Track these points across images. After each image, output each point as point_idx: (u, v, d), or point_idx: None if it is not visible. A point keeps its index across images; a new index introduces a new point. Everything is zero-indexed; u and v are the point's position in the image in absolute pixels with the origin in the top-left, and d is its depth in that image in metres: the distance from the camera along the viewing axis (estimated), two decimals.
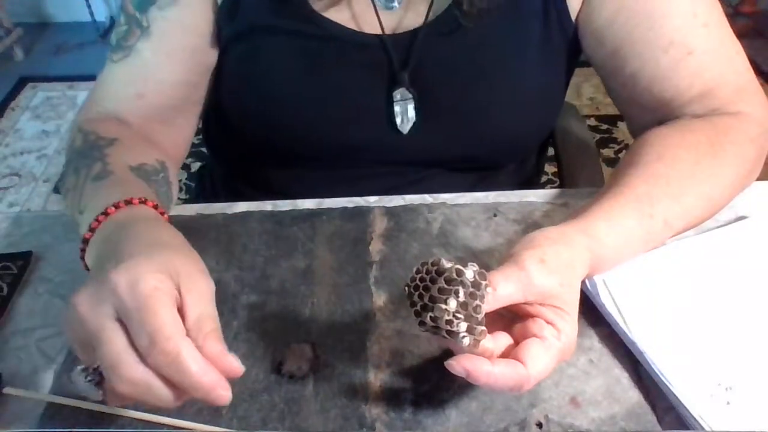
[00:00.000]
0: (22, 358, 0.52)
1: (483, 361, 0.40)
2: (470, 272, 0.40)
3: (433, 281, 0.41)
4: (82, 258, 0.48)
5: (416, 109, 0.65)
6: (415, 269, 0.42)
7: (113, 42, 0.65)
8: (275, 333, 0.52)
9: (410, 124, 0.66)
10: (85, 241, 0.47)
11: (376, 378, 0.49)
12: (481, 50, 0.63)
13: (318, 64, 0.64)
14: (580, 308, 0.53)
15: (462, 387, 0.48)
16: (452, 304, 0.39)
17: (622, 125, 2.15)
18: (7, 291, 0.57)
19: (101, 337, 0.36)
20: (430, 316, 0.40)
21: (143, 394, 0.37)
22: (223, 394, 0.37)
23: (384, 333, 0.52)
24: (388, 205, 0.64)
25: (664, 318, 0.50)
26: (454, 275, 0.40)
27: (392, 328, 0.52)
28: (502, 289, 0.42)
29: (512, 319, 0.45)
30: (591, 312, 0.52)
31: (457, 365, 0.40)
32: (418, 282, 0.42)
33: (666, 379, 0.46)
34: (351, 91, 0.65)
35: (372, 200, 0.65)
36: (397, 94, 0.64)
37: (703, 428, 0.44)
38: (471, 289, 0.40)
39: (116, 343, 0.36)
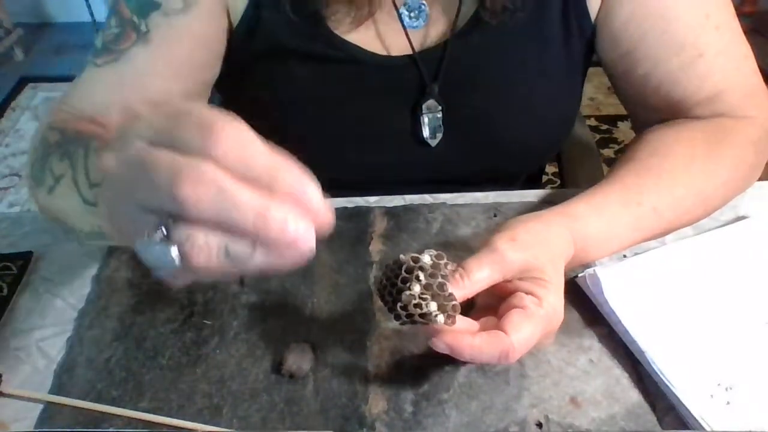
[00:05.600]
0: (22, 358, 0.52)
1: (464, 334, 0.42)
2: (427, 256, 0.42)
3: (396, 276, 0.42)
4: None
5: (443, 120, 0.64)
6: (380, 272, 0.44)
7: (98, 45, 0.61)
8: (275, 333, 0.52)
9: (440, 137, 0.65)
10: None
11: (376, 378, 0.49)
12: (506, 60, 0.63)
13: (341, 89, 0.63)
14: (580, 307, 0.53)
15: (462, 387, 0.48)
16: (416, 288, 0.41)
17: (622, 125, 2.15)
18: (7, 291, 0.57)
19: (150, 158, 0.29)
20: (400, 306, 0.41)
21: (217, 203, 0.28)
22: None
23: (384, 333, 0.52)
24: (388, 205, 0.64)
25: (665, 318, 0.50)
26: (412, 263, 0.42)
27: (392, 328, 0.52)
28: (478, 274, 0.43)
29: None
30: (591, 312, 0.52)
31: (440, 342, 0.42)
32: (384, 281, 0.43)
33: (666, 379, 0.46)
34: (376, 114, 0.64)
35: (372, 200, 0.65)
36: (425, 106, 0.63)
37: (703, 428, 0.44)
38: (431, 270, 0.42)
39: (168, 155, 0.29)
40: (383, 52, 0.62)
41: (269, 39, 0.62)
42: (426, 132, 0.65)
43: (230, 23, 0.62)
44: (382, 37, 0.62)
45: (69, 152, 0.52)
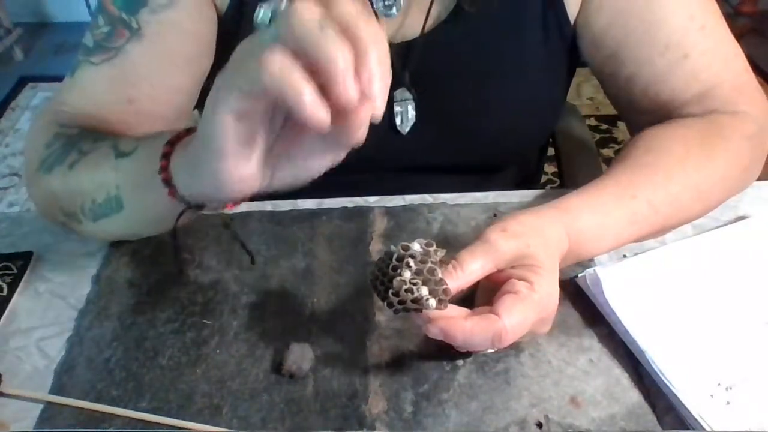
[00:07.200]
0: (22, 358, 0.52)
1: (457, 319, 0.42)
2: (416, 244, 0.43)
3: (387, 265, 0.43)
4: (164, 174, 0.45)
5: (416, 109, 0.65)
6: (374, 265, 0.45)
7: (90, 44, 0.61)
8: (275, 333, 0.52)
9: (410, 125, 0.66)
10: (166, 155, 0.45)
11: (376, 378, 0.49)
12: (481, 55, 0.63)
13: None
14: (580, 307, 0.53)
15: (462, 387, 0.48)
16: (406, 274, 0.42)
17: (622, 125, 2.14)
18: (7, 291, 0.57)
19: None
20: (391, 293, 0.42)
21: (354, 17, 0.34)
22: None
23: (384, 333, 0.52)
24: (388, 205, 0.64)
25: (665, 318, 0.50)
26: (402, 251, 0.43)
27: (392, 327, 0.52)
28: (472, 265, 0.44)
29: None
30: (591, 312, 0.52)
31: (433, 327, 0.42)
32: (376, 272, 0.44)
33: (666, 379, 0.46)
34: None
35: (372, 200, 0.65)
36: (397, 94, 0.64)
37: (703, 428, 0.44)
38: (421, 257, 0.43)
39: None
40: None
41: (250, 28, 0.62)
42: (398, 120, 0.65)
43: (218, 14, 0.63)
44: None
45: (102, 137, 0.54)
